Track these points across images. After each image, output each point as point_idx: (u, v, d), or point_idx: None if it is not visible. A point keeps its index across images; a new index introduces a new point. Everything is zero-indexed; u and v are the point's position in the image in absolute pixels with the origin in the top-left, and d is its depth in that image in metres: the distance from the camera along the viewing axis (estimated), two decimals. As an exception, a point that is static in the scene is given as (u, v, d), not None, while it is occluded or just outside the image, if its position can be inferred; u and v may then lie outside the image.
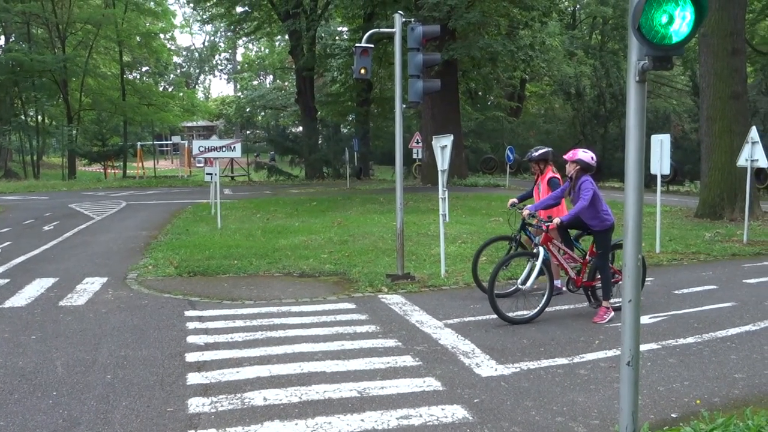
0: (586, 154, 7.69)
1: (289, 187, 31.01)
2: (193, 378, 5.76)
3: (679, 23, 3.42)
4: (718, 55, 16.02)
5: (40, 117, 47.61)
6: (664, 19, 3.41)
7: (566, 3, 45.30)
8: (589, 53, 46.53)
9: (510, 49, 28.13)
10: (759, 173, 20.55)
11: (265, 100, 61.54)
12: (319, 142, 37.90)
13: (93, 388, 5.53)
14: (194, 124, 64.64)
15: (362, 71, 9.80)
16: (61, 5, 40.95)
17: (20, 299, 8.82)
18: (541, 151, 8.89)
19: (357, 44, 10.01)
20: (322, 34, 42.28)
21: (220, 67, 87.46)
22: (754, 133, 12.65)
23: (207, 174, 18.10)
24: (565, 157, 7.83)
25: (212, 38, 78.03)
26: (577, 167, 7.65)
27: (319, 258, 11.55)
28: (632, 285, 3.80)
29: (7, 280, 10.03)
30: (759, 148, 12.54)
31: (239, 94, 73.77)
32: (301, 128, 42.39)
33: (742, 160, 12.83)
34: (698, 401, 5.21)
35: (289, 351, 6.47)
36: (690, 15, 3.41)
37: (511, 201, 8.61)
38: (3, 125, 40.13)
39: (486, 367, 6.02)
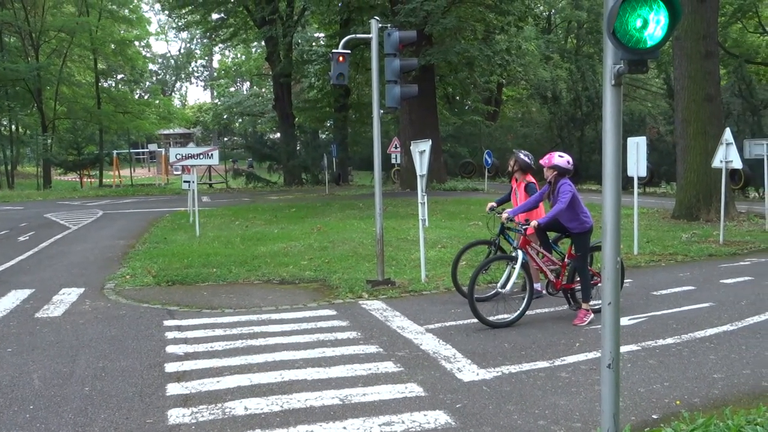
0: (561, 159, 7.73)
1: (267, 193, 30.90)
2: (173, 388, 5.70)
3: (654, 27, 3.45)
4: (692, 58, 16.22)
5: (14, 126, 46.99)
6: (639, 23, 3.44)
7: (541, 8, 45.68)
8: (564, 57, 46.94)
9: (486, 53, 28.30)
10: (734, 174, 20.81)
11: (243, 106, 61.31)
12: (298, 148, 37.83)
13: (71, 401, 5.45)
14: (171, 131, 64.24)
15: (339, 77, 9.79)
16: (34, 13, 40.53)
17: (-5, 311, 8.69)
18: (528, 160, 8.88)
19: (334, 50, 10.00)
20: (299, 41, 42.22)
21: (196, 74, 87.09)
22: (728, 134, 12.80)
23: (184, 182, 17.97)
24: (541, 162, 7.87)
25: (188, 45, 77.87)
26: (555, 172, 7.69)
27: (298, 265, 11.50)
28: (611, 287, 3.81)
29: (-19, 293, 9.88)
30: (733, 150, 12.70)
31: (216, 101, 73.51)
32: (279, 135, 42.32)
33: (717, 162, 12.99)
34: (678, 402, 5.24)
35: (270, 359, 6.43)
36: (664, 19, 3.44)
37: (489, 205, 8.63)
38: (-24, 135, 39.66)
39: (467, 371, 6.02)
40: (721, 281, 9.86)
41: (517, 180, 8.96)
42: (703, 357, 6.35)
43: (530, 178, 8.87)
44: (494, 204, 8.62)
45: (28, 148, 47.56)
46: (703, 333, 7.15)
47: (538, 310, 8.24)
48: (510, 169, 9.07)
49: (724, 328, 7.36)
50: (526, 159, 8.88)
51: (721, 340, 6.88)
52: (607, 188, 3.76)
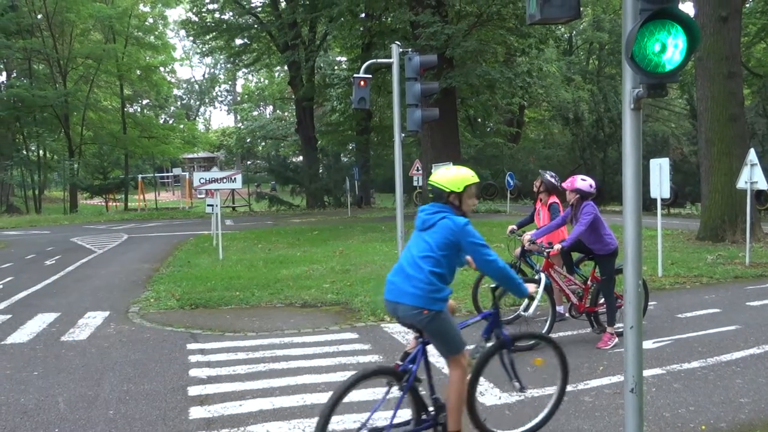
0: (584, 182, 7.71)
1: (290, 216, 31.06)
2: (196, 412, 5.72)
3: (672, 51, 3.46)
4: (715, 79, 16.11)
5: (41, 152, 47.83)
6: (657, 47, 3.45)
7: (562, 29, 45.69)
8: (586, 78, 46.86)
9: (508, 76, 28.37)
10: (759, 195, 20.56)
11: (266, 130, 61.87)
12: (320, 171, 38.06)
13: (95, 425, 5.50)
14: (195, 155, 64.87)
15: (361, 101, 9.88)
16: (62, 41, 41.37)
17: (22, 335, 8.80)
18: (554, 181, 8.86)
19: (355, 75, 10.10)
20: (321, 64, 42.62)
21: (220, 99, 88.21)
22: (752, 155, 12.67)
23: (208, 205, 18.17)
24: (563, 185, 7.86)
25: (212, 70, 78.80)
26: (577, 195, 7.68)
27: (321, 288, 11.53)
28: (633, 311, 3.79)
29: (8, 316, 10.01)
30: (758, 170, 12.55)
31: (239, 124, 74.18)
32: (301, 158, 42.61)
33: (742, 183, 12.85)
34: (704, 427, 5.17)
35: (292, 383, 6.44)
36: (682, 43, 3.45)
37: (510, 228, 8.61)
38: (5, 161, 40.26)
39: (490, 395, 5.99)
40: (747, 304, 9.73)
41: (541, 201, 8.96)
42: (729, 381, 6.26)
43: (554, 199, 8.86)
44: (515, 227, 8.60)
45: (55, 173, 48.29)
46: (729, 356, 7.05)
47: (561, 334, 8.17)
48: (535, 190, 9.06)
49: (751, 351, 7.25)
50: (552, 179, 8.88)
51: (748, 364, 6.78)
52: (627, 212, 3.76)
